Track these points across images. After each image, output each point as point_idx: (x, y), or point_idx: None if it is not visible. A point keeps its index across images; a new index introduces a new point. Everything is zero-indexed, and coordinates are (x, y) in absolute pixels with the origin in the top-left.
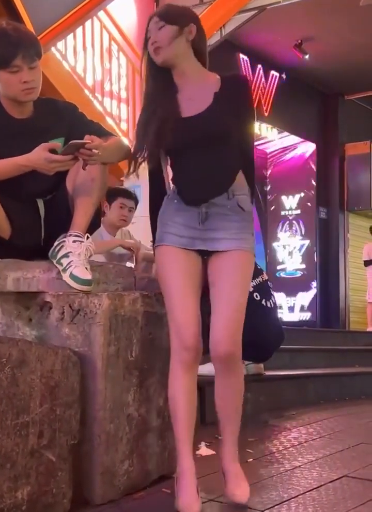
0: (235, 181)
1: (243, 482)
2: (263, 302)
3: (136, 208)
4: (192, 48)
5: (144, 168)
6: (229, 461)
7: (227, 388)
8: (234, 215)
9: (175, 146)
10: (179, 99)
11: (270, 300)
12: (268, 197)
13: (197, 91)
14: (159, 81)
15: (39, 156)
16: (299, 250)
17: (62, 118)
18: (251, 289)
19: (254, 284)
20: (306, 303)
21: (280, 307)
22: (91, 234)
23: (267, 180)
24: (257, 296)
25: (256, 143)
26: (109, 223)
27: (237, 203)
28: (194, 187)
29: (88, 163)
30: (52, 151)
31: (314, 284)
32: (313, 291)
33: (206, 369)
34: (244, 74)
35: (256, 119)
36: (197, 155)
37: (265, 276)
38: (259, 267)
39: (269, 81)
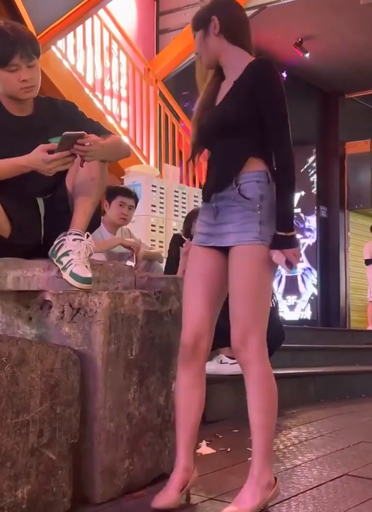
0: (242, 169)
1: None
2: None
3: (136, 206)
4: (225, 38)
5: (145, 167)
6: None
7: (248, 394)
8: (237, 206)
9: (198, 137)
10: (222, 88)
11: (273, 299)
12: None
13: (229, 81)
14: (213, 77)
15: (37, 158)
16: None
17: (61, 117)
18: None
19: None
20: (306, 302)
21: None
22: (91, 233)
23: None
24: None
25: None
26: (109, 222)
27: (239, 192)
28: (207, 181)
29: (85, 159)
30: (50, 152)
31: (314, 282)
32: (313, 290)
33: (206, 367)
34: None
35: (280, 98)
36: (216, 147)
37: None
38: None
39: None
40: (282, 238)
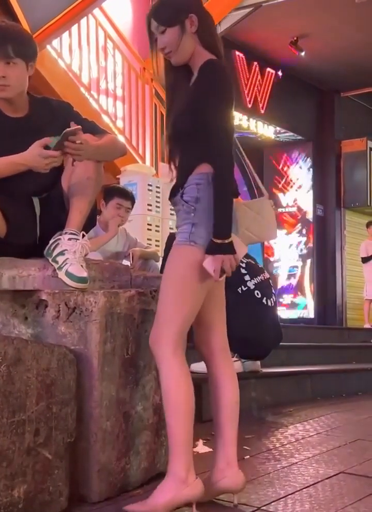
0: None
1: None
2: (264, 300)
3: (132, 207)
4: (198, 37)
5: (141, 166)
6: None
7: None
8: (180, 209)
9: (167, 142)
10: (186, 91)
11: (271, 299)
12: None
13: (191, 84)
14: (179, 73)
15: (33, 154)
16: (296, 246)
17: (56, 117)
18: (252, 287)
19: (256, 282)
20: (303, 300)
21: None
22: (86, 232)
23: (264, 176)
24: (257, 294)
25: (251, 139)
26: (104, 221)
27: (181, 196)
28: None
29: (75, 159)
30: (46, 148)
31: (311, 281)
32: (310, 288)
33: (203, 366)
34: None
35: (214, 102)
36: (178, 154)
37: (267, 275)
38: (260, 266)
39: (265, 78)
40: (216, 244)
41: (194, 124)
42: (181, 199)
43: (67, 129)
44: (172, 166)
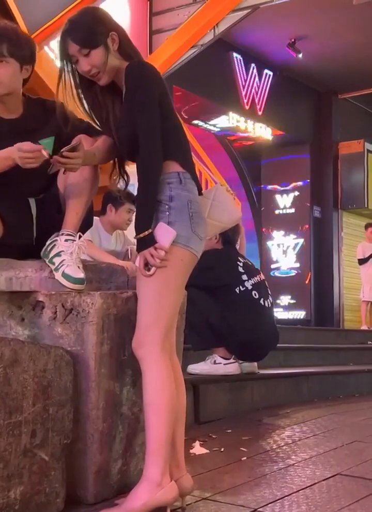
0: None
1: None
2: (261, 301)
3: None
4: (120, 52)
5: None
6: None
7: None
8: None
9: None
10: (115, 103)
11: (268, 300)
12: (263, 195)
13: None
14: (104, 88)
15: (13, 147)
16: (294, 248)
17: (52, 117)
18: (250, 287)
19: (253, 282)
20: (300, 302)
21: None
22: (83, 233)
23: (261, 178)
24: (255, 294)
25: (248, 141)
26: (110, 224)
27: None
28: None
29: (70, 171)
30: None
31: (308, 282)
32: (307, 290)
33: (200, 367)
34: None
35: (137, 101)
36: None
37: (262, 276)
38: (256, 267)
39: (262, 80)
40: (138, 241)
41: (135, 128)
42: None
43: (64, 148)
44: (123, 173)
